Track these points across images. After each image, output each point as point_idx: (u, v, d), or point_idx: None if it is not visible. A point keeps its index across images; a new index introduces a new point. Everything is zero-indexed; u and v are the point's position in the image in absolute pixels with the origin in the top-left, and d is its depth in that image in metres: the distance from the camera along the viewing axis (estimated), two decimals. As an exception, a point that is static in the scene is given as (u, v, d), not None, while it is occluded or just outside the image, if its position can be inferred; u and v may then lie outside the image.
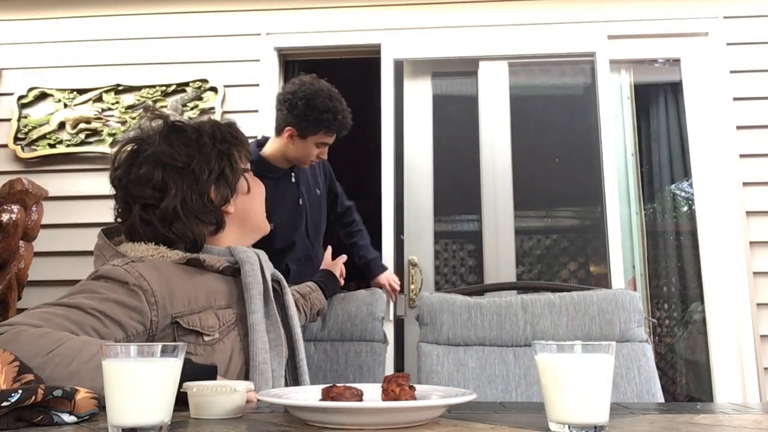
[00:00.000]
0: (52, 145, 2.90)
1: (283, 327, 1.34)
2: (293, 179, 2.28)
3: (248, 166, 1.39)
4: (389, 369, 2.30)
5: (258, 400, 1.03)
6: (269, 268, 1.36)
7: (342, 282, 1.88)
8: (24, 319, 1.03)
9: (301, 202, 2.29)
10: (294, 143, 2.18)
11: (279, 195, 2.22)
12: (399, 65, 2.97)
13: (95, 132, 2.91)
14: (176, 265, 1.22)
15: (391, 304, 2.69)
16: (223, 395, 0.88)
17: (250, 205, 1.37)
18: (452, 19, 2.94)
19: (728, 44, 2.83)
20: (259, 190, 1.40)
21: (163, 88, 2.94)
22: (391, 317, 2.71)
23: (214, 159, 1.29)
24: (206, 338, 1.17)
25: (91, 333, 1.05)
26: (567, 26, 2.91)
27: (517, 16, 2.92)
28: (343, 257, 1.93)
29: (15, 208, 2.40)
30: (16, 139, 2.91)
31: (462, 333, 1.66)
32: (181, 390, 0.83)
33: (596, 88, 2.82)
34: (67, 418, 0.81)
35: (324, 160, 2.32)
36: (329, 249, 1.94)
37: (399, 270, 2.86)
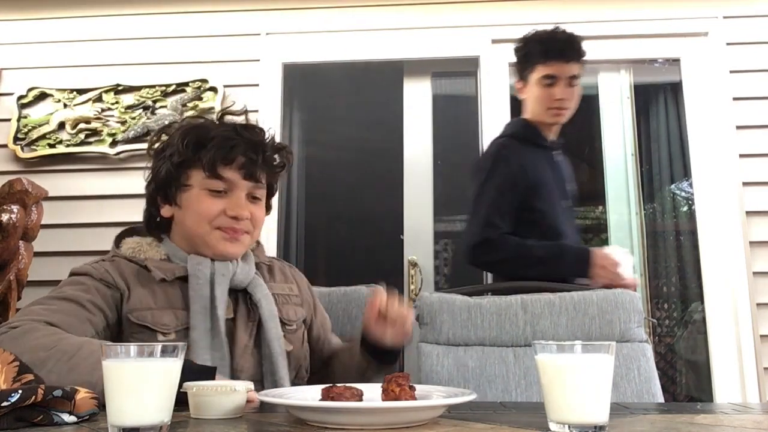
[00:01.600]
0: (51, 145, 2.90)
1: (255, 344, 1.25)
2: (557, 158, 2.07)
3: (209, 184, 1.27)
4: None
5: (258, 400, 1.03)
6: (232, 282, 1.26)
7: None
8: (35, 314, 1.12)
9: (568, 188, 2.06)
10: (526, 94, 2.03)
11: (543, 168, 1.99)
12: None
13: (95, 132, 2.91)
14: (140, 268, 1.27)
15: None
16: (223, 395, 0.88)
17: (182, 218, 1.31)
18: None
19: (728, 44, 2.82)
20: (195, 207, 1.28)
21: (163, 88, 2.94)
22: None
23: (162, 166, 1.32)
24: (160, 337, 1.18)
25: (85, 323, 1.15)
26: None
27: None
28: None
29: (15, 208, 2.40)
30: (15, 139, 2.91)
31: (462, 333, 1.66)
32: (181, 390, 0.84)
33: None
34: (67, 418, 0.81)
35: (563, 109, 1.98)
36: (383, 292, 1.29)
37: (399, 270, 2.86)
